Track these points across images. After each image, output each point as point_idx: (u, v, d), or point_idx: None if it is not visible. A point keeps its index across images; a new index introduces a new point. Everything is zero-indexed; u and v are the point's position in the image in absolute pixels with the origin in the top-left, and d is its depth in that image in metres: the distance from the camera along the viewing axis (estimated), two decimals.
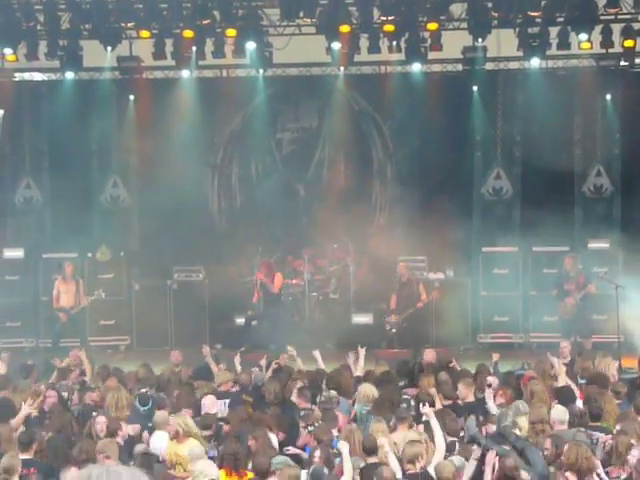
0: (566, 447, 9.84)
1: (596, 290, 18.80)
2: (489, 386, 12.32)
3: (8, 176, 22.24)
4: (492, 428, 10.68)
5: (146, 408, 12.45)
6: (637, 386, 13.14)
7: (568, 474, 9.79)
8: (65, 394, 13.29)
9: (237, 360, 14.95)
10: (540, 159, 21.00)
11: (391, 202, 22.34)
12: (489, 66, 21.18)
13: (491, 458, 9.95)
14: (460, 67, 21.28)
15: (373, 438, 10.40)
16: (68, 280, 19.27)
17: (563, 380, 12.88)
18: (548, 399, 12.00)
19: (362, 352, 14.47)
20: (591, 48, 19.68)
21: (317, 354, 14.59)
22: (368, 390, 12.47)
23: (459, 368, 14.55)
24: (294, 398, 12.60)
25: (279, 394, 12.63)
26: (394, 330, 19.58)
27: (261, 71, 21.27)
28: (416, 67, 20.85)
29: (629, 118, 21.30)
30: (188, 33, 19.58)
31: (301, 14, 19.29)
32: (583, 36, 19.30)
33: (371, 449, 10.22)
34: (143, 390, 13.10)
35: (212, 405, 12.57)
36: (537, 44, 19.61)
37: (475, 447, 10.12)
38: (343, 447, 10.07)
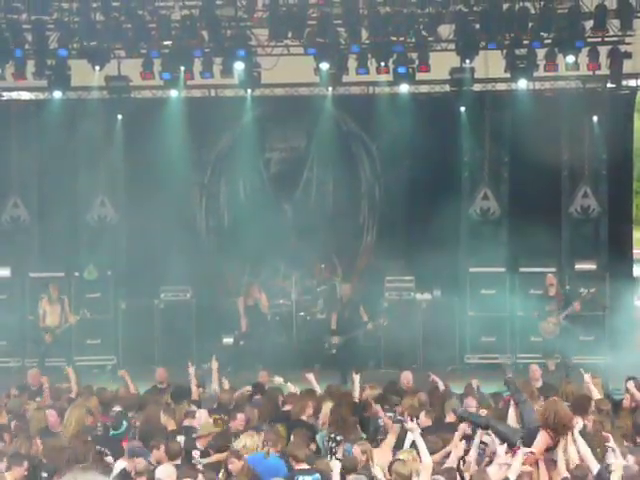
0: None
1: (582, 310, 18.80)
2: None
3: None
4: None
5: (117, 432, 12.30)
6: (623, 408, 13.13)
7: (541, 433, 9.98)
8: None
9: (225, 381, 14.89)
10: (527, 180, 21.11)
11: (379, 222, 22.35)
12: (477, 87, 21.17)
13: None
14: (448, 88, 21.26)
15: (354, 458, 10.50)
16: (53, 301, 19.23)
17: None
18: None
19: (357, 378, 14.46)
20: (578, 70, 19.76)
21: (311, 377, 14.51)
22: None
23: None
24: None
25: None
26: (334, 351, 19.28)
27: (249, 91, 21.29)
28: (404, 88, 20.86)
29: (616, 139, 21.40)
30: (176, 53, 19.60)
31: (289, 34, 19.33)
32: (570, 58, 19.37)
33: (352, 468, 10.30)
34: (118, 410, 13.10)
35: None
36: (524, 66, 19.67)
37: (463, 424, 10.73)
38: (334, 466, 10.10)
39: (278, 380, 14.63)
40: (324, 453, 11.60)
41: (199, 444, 11.99)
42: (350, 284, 20.36)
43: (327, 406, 12.53)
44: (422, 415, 12.25)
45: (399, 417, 12.33)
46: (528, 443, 10.15)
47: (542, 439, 10.02)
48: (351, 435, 11.75)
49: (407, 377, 15.28)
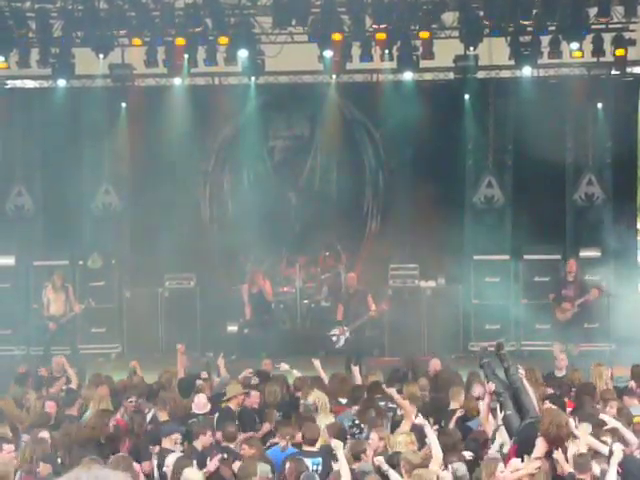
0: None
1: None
2: (478, 399, 12.38)
3: None
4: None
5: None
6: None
7: (539, 440, 10.07)
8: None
9: (221, 364, 14.88)
10: (531, 167, 21.09)
11: (383, 210, 22.34)
12: (481, 74, 21.21)
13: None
14: (452, 75, 21.28)
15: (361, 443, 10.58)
16: (58, 290, 19.20)
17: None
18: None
19: (356, 370, 14.54)
20: (582, 57, 19.74)
21: (317, 363, 14.53)
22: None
23: None
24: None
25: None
26: (341, 344, 18.73)
27: (253, 79, 21.27)
28: (408, 75, 20.86)
29: (620, 127, 21.38)
30: (180, 41, 19.58)
31: (293, 22, 19.30)
32: (574, 45, 19.35)
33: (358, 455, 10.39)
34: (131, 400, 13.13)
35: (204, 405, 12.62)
36: (528, 53, 19.66)
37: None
38: (337, 448, 10.13)
39: (284, 367, 14.62)
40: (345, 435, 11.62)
41: (231, 405, 12.42)
42: (355, 273, 20.11)
43: (315, 394, 12.47)
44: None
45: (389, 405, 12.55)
46: (522, 439, 10.30)
47: (541, 447, 10.09)
48: (377, 421, 11.82)
49: (435, 364, 15.25)
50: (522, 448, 10.23)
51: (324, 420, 11.84)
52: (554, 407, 10.99)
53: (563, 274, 19.77)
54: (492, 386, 11.15)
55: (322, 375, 14.26)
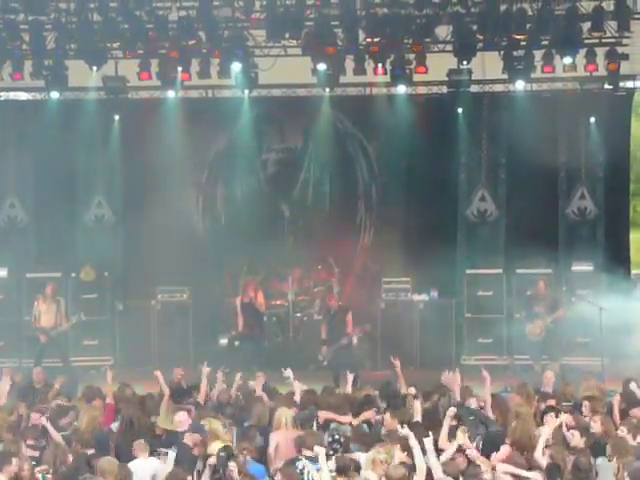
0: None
1: (570, 313, 18.89)
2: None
3: None
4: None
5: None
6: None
7: (505, 447, 10.73)
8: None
9: (220, 378, 14.84)
10: (524, 181, 21.14)
11: (376, 223, 22.38)
12: (474, 88, 21.24)
13: None
14: (445, 89, 21.34)
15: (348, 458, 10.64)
16: (48, 301, 19.14)
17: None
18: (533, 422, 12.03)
19: (350, 377, 14.51)
20: (575, 71, 19.78)
21: (297, 384, 14.46)
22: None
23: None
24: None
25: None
26: (325, 362, 18.33)
27: (246, 92, 21.28)
28: (401, 89, 20.90)
29: (613, 141, 21.42)
30: (174, 53, 19.59)
31: (287, 35, 19.31)
32: (567, 59, 19.40)
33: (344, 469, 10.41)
34: None
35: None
36: (522, 67, 19.70)
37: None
38: (320, 453, 10.12)
39: (287, 373, 14.53)
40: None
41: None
42: (334, 295, 19.91)
43: (284, 412, 12.42)
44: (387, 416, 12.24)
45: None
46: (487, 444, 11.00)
47: (503, 452, 10.68)
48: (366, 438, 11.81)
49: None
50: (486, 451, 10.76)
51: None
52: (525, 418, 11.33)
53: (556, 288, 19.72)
54: (453, 410, 11.47)
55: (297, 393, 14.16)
